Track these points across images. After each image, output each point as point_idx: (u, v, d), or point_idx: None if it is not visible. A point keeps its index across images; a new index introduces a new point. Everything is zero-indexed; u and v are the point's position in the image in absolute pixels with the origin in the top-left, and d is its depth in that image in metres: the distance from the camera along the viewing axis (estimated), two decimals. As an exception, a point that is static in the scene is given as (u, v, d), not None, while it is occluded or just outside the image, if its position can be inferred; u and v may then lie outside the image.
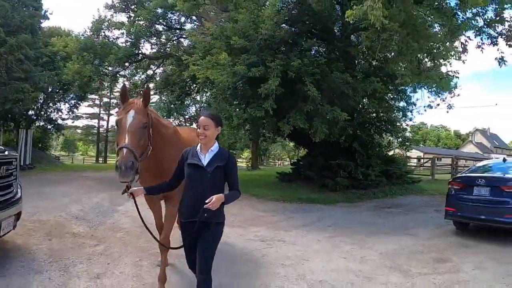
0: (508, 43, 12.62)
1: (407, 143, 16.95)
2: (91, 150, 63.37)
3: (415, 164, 25.86)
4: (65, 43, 18.16)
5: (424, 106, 16.54)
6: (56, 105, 25.49)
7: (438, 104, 16.30)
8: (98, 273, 4.85)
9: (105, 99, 50.62)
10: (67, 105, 26.36)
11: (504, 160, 8.87)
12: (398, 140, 16.80)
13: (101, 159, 50.11)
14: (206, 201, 3.08)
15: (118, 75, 21.04)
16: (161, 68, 22.87)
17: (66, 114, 27.28)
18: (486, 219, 7.41)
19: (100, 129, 54.25)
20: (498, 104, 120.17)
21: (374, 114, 15.55)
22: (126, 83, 20.24)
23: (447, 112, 16.45)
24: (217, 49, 11.62)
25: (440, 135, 79.87)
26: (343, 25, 13.56)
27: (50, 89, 22.09)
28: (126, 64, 19.56)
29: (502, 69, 17.69)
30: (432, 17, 10.74)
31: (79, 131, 58.95)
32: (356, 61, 14.84)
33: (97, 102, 51.84)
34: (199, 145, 3.42)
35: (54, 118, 25.94)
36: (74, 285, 4.47)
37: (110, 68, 19.66)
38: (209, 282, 3.28)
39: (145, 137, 3.56)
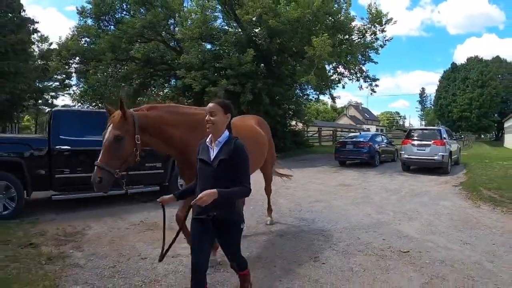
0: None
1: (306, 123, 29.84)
2: None
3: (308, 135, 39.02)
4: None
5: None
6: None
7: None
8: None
9: None
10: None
11: (360, 132, 21.38)
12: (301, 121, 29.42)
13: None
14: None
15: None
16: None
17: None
18: (353, 157, 19.42)
19: None
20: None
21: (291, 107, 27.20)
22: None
23: (333, 102, 29.57)
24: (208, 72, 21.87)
25: (318, 109, 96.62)
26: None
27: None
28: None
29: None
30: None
31: None
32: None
33: None
34: (209, 136, 3.54)
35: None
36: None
37: None
38: (241, 262, 3.89)
39: (123, 148, 4.04)
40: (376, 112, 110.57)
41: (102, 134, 4.02)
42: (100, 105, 27.14)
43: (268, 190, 7.74)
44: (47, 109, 37.05)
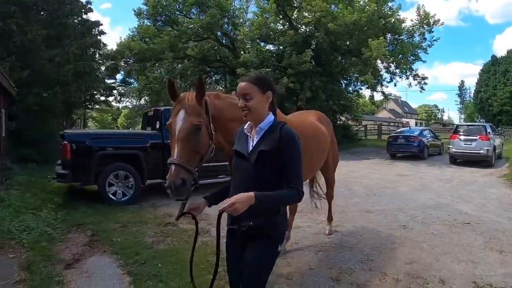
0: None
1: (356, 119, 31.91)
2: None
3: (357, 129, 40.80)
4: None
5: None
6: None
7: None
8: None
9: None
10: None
11: (409, 127, 23.19)
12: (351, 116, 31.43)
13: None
14: (225, 202, 2.38)
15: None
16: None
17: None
18: (404, 150, 21.32)
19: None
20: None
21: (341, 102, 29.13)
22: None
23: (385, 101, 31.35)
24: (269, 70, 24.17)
25: (358, 102, 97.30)
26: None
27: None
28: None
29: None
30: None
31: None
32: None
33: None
34: (247, 123, 2.76)
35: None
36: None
37: None
38: None
39: (201, 140, 3.06)
40: (414, 105, 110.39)
41: (168, 123, 3.13)
42: (158, 102, 29.30)
43: (329, 195, 7.06)
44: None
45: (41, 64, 16.49)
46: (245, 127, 2.76)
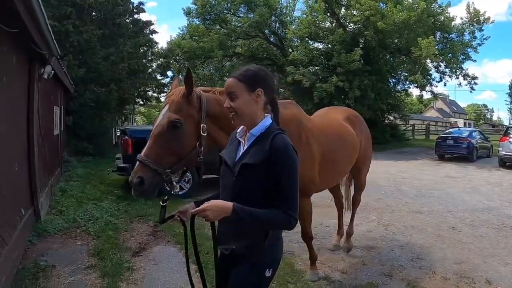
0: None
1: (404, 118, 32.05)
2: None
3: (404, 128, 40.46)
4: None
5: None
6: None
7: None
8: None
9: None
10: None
11: (458, 128, 22.96)
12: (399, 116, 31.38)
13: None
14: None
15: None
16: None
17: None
18: (452, 152, 21.17)
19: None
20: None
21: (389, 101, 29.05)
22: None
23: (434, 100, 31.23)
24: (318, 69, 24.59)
25: (405, 101, 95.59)
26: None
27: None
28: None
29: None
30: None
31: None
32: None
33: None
34: (241, 126, 2.33)
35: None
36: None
37: None
38: None
39: (180, 140, 2.83)
40: (462, 104, 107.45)
41: (154, 119, 2.97)
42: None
43: (356, 201, 6.27)
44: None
45: (96, 62, 17.46)
46: (238, 130, 2.35)
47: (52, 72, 7.73)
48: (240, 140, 2.29)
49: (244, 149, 2.22)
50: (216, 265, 2.38)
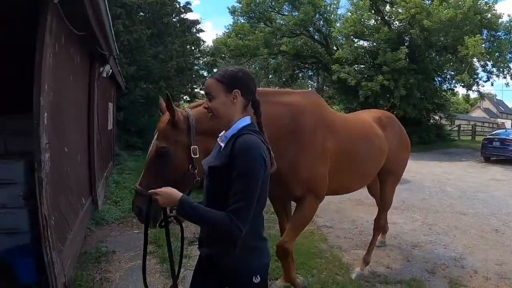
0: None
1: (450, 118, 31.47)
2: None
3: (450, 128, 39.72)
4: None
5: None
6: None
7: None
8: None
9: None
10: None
11: (505, 129, 22.36)
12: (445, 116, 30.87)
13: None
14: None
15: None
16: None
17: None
18: (499, 154, 20.69)
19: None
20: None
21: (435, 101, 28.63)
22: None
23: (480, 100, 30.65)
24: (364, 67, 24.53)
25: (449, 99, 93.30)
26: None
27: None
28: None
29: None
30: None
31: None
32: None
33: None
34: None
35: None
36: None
37: None
38: None
39: (170, 166, 2.88)
40: (510, 104, 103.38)
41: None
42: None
43: (377, 224, 5.44)
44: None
45: (146, 60, 17.96)
46: (220, 134, 2.25)
47: (110, 71, 8.11)
48: (220, 143, 2.21)
49: (220, 152, 2.16)
50: (179, 264, 2.60)
